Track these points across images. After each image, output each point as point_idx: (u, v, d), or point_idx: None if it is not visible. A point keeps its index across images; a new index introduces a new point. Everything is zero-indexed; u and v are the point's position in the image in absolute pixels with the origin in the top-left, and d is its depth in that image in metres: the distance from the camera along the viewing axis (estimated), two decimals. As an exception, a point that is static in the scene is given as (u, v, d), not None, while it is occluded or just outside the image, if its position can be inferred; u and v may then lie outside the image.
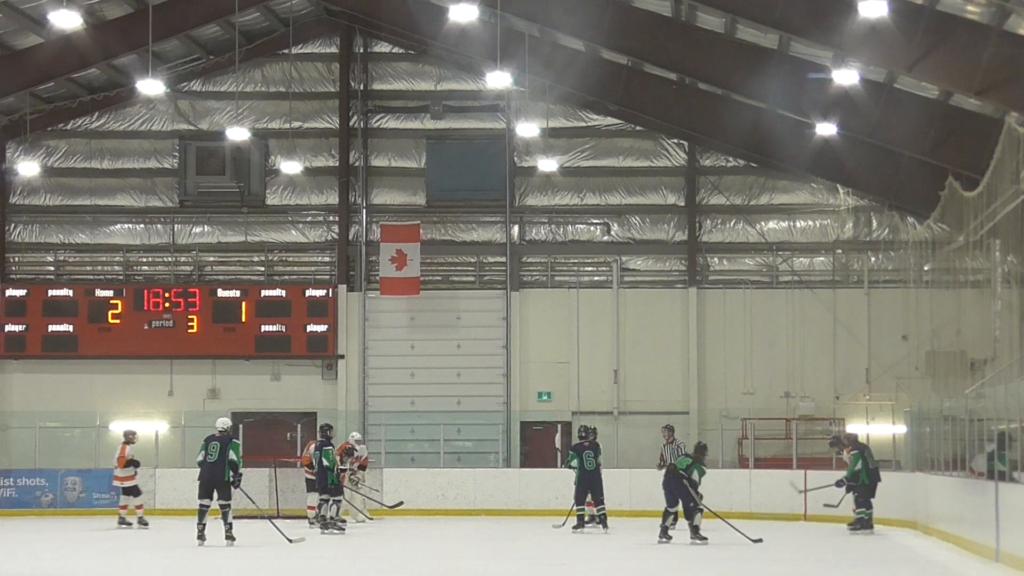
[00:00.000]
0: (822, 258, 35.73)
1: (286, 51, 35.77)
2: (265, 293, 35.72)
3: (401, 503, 27.28)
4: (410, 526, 27.79)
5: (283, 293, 35.73)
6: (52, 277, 36.47)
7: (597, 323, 35.62)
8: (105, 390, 35.42)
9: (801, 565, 20.75)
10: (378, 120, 36.38)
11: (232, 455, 22.84)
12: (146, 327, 35.54)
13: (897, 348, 33.84)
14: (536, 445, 35.11)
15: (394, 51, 36.41)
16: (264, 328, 35.49)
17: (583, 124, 35.97)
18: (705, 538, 23.24)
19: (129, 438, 28.02)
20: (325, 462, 25.81)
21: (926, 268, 31.92)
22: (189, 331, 35.48)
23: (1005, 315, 26.60)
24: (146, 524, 27.46)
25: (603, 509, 26.48)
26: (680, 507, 23.55)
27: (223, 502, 22.98)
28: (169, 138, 36.41)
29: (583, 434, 26.59)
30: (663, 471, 25.41)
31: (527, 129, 34.67)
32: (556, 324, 35.74)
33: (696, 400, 34.98)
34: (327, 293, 35.80)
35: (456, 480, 32.50)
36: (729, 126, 33.85)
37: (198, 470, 23.20)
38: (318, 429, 27.26)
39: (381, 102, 36.35)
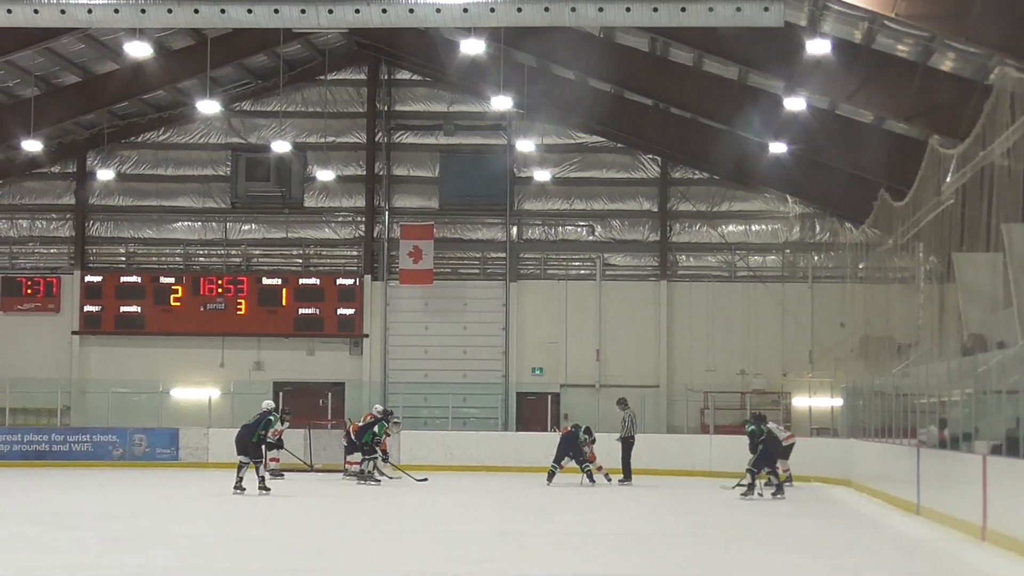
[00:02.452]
0: (773, 257, 35.59)
1: (322, 77, 35.69)
2: (302, 281, 35.64)
3: (426, 479, 27.00)
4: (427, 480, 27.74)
5: (317, 282, 35.66)
6: (124, 266, 36.34)
7: (582, 310, 35.51)
8: (167, 361, 35.30)
9: (750, 515, 20.72)
10: (399, 136, 36.27)
11: (261, 428, 23.31)
12: (202, 309, 35.49)
13: (835, 333, 33.68)
14: (530, 412, 34.99)
15: (413, 78, 36.28)
16: (301, 311, 35.43)
17: (572, 141, 35.82)
18: (783, 496, 23.96)
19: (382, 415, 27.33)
20: (376, 429, 26.43)
21: (860, 266, 31.80)
22: (238, 313, 35.43)
23: (927, 306, 26.53)
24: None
25: (588, 467, 26.81)
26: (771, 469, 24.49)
27: (253, 460, 23.27)
28: (223, 150, 36.32)
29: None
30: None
31: (525, 145, 34.75)
32: (548, 310, 35.63)
33: (665, 376, 34.89)
34: (355, 282, 35.72)
35: (463, 441, 32.46)
36: (696, 144, 33.72)
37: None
38: (382, 411, 27.46)
39: (402, 121, 36.22)
